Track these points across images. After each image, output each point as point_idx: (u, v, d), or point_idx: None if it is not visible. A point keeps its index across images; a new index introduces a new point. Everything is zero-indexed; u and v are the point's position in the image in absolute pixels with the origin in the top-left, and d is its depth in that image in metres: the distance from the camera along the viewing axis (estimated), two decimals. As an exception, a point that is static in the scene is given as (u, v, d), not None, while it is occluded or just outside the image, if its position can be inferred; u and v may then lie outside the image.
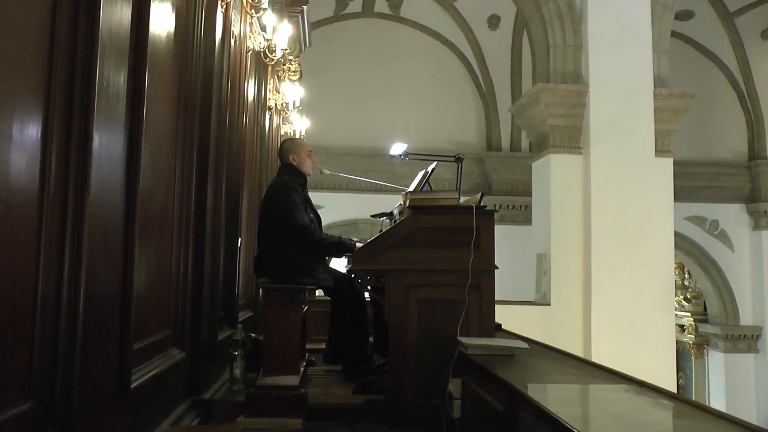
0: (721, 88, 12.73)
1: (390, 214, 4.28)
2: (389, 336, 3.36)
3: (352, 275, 3.66)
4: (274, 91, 6.15)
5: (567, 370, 2.77)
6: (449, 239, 3.35)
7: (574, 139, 8.44)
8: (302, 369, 3.81)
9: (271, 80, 6.25)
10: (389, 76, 12.23)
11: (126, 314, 2.17)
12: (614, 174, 8.09)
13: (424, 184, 3.83)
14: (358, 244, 3.94)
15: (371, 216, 4.58)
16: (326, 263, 4.04)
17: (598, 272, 7.92)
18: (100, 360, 1.95)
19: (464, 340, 3.22)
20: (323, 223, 4.25)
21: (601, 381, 2.56)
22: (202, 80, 3.37)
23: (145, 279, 2.51)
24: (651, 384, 2.42)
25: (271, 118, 6.30)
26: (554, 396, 2.33)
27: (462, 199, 3.61)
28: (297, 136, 6.30)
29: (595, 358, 7.19)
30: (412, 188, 3.95)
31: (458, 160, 4.14)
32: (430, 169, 3.89)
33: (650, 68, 8.39)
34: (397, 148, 4.40)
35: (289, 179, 3.96)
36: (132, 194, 2.21)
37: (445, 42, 12.63)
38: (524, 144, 12.67)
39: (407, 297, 3.32)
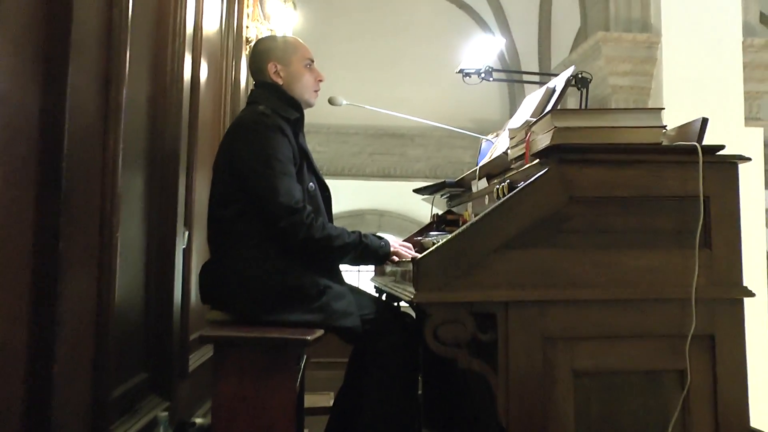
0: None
1: (458, 185, 2.17)
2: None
3: (416, 309, 1.61)
4: (255, 18, 4.16)
5: None
6: (640, 225, 1.40)
7: (640, 103, 6.82)
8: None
9: (253, 5, 4.28)
10: (399, 45, 10.61)
11: None
12: (693, 147, 6.31)
13: (545, 114, 1.79)
14: (396, 245, 1.96)
15: (414, 190, 2.55)
16: (342, 278, 2.04)
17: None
18: None
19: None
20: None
21: None
22: None
23: None
24: None
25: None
26: None
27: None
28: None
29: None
30: (521, 121, 1.82)
31: (582, 81, 2.22)
32: (559, 86, 1.80)
33: (738, 13, 6.69)
34: (475, 55, 2.37)
35: (267, 109, 1.95)
36: None
37: (462, 5, 11.16)
38: (555, 119, 11.00)
39: (550, 364, 1.33)
